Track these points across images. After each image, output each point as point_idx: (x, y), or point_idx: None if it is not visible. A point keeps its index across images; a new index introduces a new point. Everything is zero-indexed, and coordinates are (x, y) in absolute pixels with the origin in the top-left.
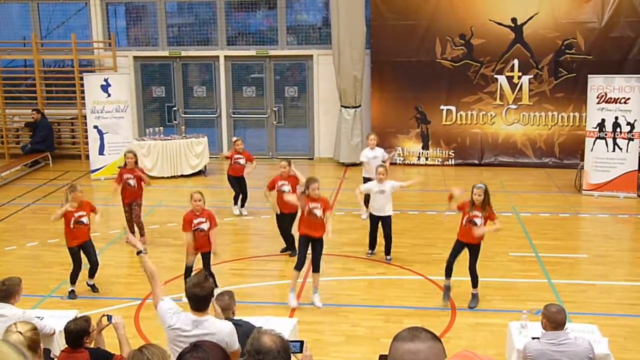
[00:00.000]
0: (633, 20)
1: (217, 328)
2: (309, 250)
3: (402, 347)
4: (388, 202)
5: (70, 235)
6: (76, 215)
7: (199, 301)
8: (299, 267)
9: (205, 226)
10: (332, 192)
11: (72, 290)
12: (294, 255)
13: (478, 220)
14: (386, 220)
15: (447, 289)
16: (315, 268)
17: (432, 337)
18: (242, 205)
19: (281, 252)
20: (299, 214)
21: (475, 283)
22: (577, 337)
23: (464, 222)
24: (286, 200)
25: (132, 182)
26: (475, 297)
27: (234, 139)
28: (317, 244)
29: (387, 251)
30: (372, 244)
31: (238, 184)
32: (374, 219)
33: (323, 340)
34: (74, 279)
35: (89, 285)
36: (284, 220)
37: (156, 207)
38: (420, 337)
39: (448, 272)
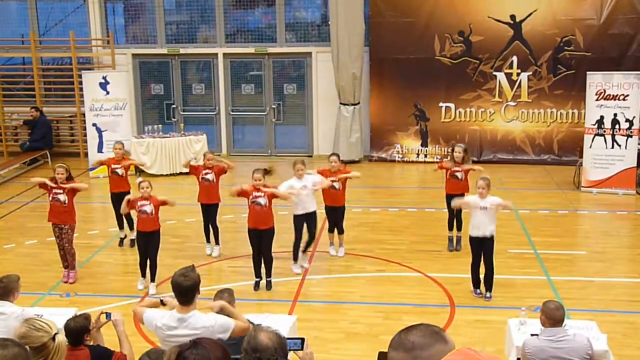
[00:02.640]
0: (632, 17)
1: (203, 324)
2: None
3: (389, 354)
4: (492, 222)
5: (109, 182)
6: (113, 166)
7: (183, 292)
8: (330, 230)
9: (210, 177)
10: None
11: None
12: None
13: (459, 174)
14: (488, 244)
15: (450, 240)
16: (340, 231)
17: (421, 343)
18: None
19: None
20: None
21: (460, 227)
22: (575, 333)
23: (447, 177)
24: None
25: (62, 197)
26: (460, 239)
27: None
28: (339, 212)
29: (488, 285)
30: (478, 280)
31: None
32: (475, 242)
33: (322, 337)
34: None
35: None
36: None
37: None
38: (405, 346)
39: (450, 226)
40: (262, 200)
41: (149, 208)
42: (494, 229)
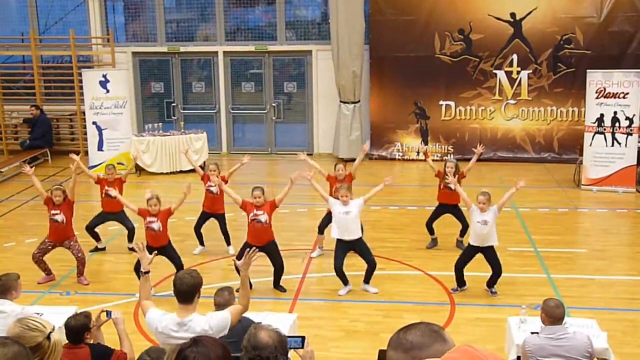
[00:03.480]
0: (632, 15)
1: (203, 328)
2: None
3: (388, 353)
4: (492, 233)
5: (102, 203)
6: (106, 187)
7: (184, 290)
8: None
9: (214, 189)
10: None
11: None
12: None
13: (452, 185)
14: (489, 252)
15: (433, 241)
16: None
17: (420, 343)
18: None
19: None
20: None
21: (463, 234)
22: (576, 331)
23: (441, 187)
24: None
25: (59, 217)
26: (460, 242)
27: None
28: None
29: (492, 282)
30: (462, 279)
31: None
32: (470, 250)
33: (322, 335)
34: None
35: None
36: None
37: None
38: (404, 345)
39: (430, 230)
40: (263, 218)
41: (156, 225)
42: (495, 239)
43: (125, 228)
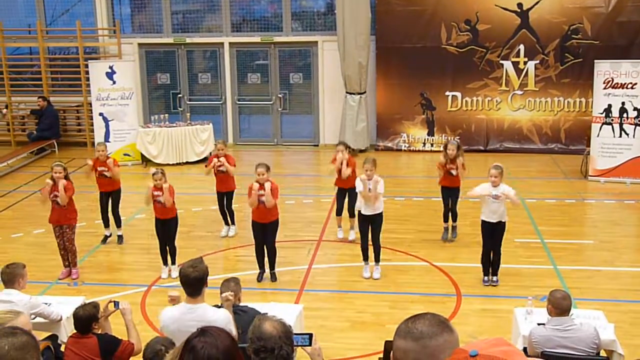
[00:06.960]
0: None
1: (211, 316)
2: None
3: (395, 342)
4: (504, 208)
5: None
6: (99, 168)
7: (191, 284)
8: (339, 213)
9: (223, 168)
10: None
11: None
12: None
13: (454, 171)
14: (500, 228)
15: (446, 230)
16: (351, 214)
17: (430, 332)
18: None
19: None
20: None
21: (455, 219)
22: (582, 323)
23: (443, 173)
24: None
25: (59, 199)
26: (455, 229)
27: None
28: (353, 193)
29: (494, 270)
30: (489, 266)
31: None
32: (487, 227)
33: (328, 326)
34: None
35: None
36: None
37: None
38: (414, 334)
39: (445, 218)
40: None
41: (162, 198)
42: (506, 214)
43: (113, 204)
